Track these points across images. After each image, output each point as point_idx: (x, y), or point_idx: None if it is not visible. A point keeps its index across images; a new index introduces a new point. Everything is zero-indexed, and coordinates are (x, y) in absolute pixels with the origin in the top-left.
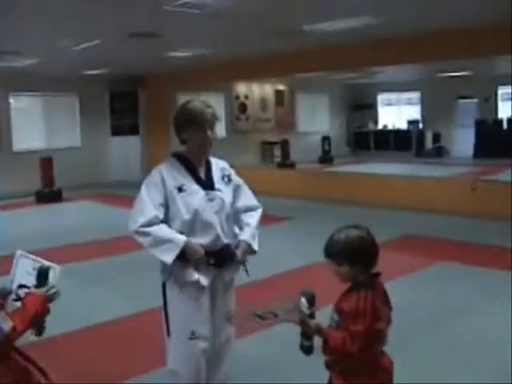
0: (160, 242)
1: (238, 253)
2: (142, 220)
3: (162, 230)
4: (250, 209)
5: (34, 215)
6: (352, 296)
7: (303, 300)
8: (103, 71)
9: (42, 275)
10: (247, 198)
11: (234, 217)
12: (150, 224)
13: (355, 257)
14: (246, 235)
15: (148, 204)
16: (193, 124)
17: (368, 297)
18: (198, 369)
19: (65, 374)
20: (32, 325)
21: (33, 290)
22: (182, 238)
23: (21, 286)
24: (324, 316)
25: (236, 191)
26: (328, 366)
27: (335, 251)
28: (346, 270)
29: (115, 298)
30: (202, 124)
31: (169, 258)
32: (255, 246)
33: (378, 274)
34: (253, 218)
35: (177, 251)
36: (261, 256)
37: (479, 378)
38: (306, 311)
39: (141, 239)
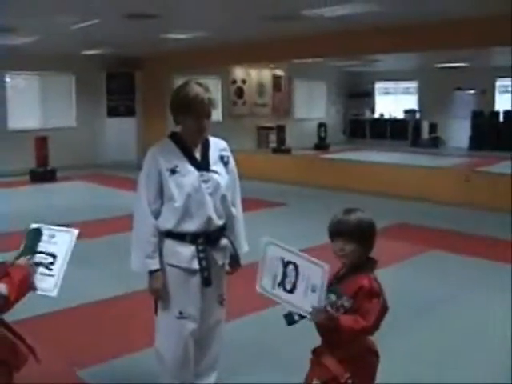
0: (139, 244)
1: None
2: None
3: (149, 241)
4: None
5: (27, 194)
6: (363, 278)
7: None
8: (100, 51)
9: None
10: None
11: None
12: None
13: (364, 237)
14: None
15: (144, 206)
16: (187, 111)
17: (376, 279)
18: (185, 349)
19: (53, 352)
20: (19, 297)
21: (18, 261)
22: (153, 266)
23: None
24: None
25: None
26: (322, 353)
27: (345, 229)
28: (353, 248)
29: (107, 278)
30: (197, 112)
31: (134, 264)
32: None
33: (376, 261)
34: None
35: (143, 268)
36: (254, 240)
37: (465, 366)
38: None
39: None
